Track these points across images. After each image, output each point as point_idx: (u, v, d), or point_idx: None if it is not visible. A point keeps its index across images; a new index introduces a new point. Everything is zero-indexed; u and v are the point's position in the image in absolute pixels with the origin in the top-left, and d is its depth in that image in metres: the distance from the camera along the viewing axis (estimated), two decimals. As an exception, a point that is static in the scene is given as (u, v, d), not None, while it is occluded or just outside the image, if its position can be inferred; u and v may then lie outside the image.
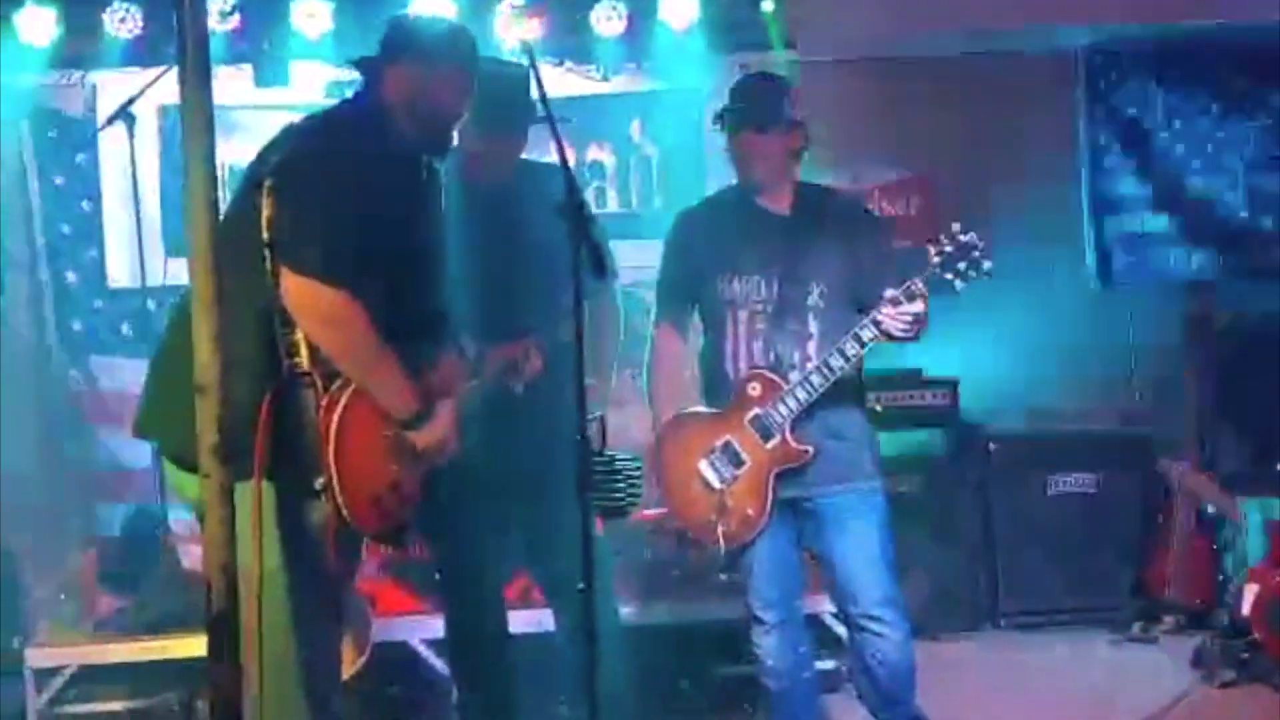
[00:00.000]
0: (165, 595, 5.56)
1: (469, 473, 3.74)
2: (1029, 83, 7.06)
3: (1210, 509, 6.20)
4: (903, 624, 4.21)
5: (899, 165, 6.97)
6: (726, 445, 4.17)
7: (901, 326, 3.94)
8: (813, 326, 4.14)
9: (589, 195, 6.11)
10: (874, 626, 4.19)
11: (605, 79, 6.46)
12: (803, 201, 4.24)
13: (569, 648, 4.46)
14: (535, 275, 4.19)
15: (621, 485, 3.25)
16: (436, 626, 5.22)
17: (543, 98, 3.44)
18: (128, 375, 6.49)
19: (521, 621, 4.81)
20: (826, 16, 6.42)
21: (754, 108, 4.19)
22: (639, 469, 3.34)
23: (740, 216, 4.25)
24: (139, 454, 6.30)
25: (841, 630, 5.32)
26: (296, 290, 3.18)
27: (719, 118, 4.28)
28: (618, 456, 3.22)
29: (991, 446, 6.53)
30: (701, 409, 4.31)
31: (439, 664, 5.34)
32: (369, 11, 6.11)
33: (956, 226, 3.93)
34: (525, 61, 3.62)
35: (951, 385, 6.54)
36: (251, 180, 3.34)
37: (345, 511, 3.21)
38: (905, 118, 6.82)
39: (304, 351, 3.22)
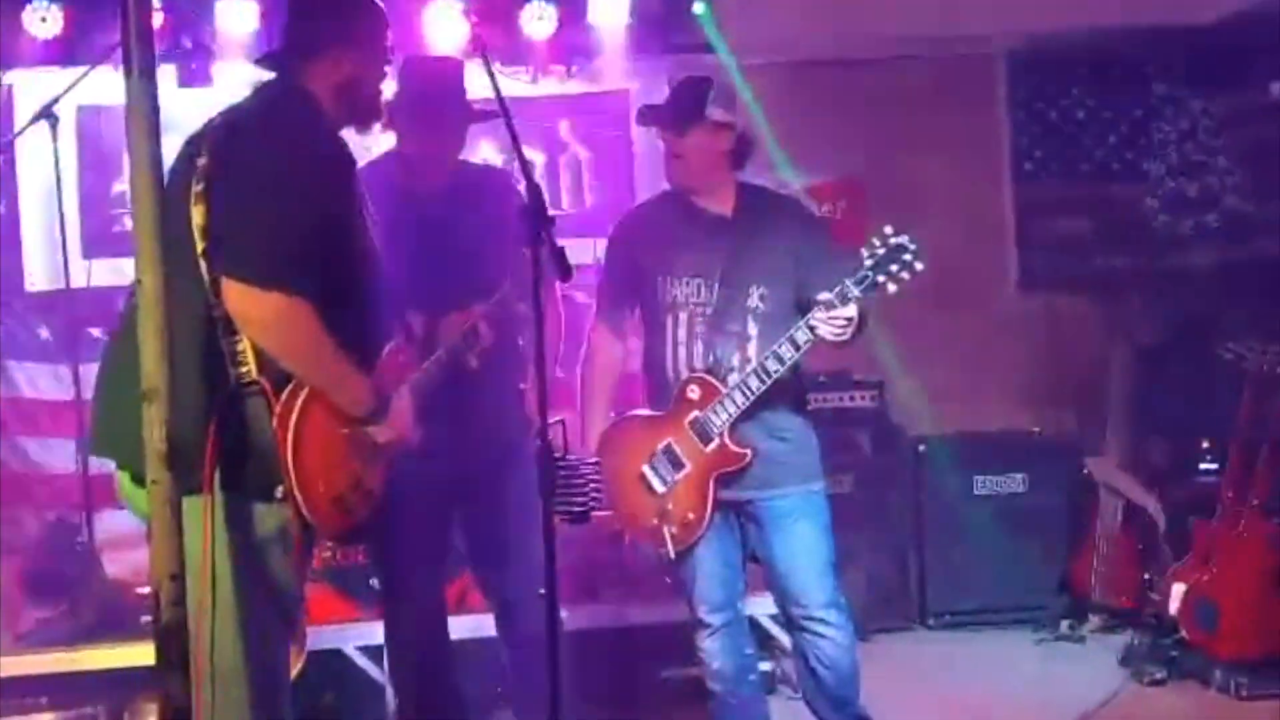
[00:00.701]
0: (90, 605, 5.46)
1: (410, 473, 3.70)
2: (956, 85, 7.12)
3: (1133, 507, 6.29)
4: (846, 626, 4.23)
5: (829, 167, 6.99)
6: (668, 448, 4.18)
7: (835, 330, 3.94)
8: (752, 329, 4.14)
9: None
10: (818, 628, 4.20)
11: (534, 81, 6.40)
12: (745, 203, 4.24)
13: (514, 652, 4.44)
14: (475, 257, 4.20)
15: (583, 489, 3.22)
16: (371, 633, 5.19)
17: (499, 99, 3.41)
18: (46, 380, 6.40)
19: (459, 627, 4.76)
20: (756, 19, 6.41)
21: (673, 108, 4.19)
22: (599, 473, 3.32)
23: (681, 218, 4.25)
24: (58, 460, 6.23)
25: (777, 631, 5.35)
26: (237, 297, 3.10)
27: (641, 115, 4.28)
28: (580, 460, 3.20)
29: (920, 448, 6.58)
30: (643, 412, 4.32)
31: (374, 670, 5.28)
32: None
33: (889, 229, 3.93)
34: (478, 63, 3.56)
35: (879, 386, 6.58)
36: (178, 184, 3.21)
37: (307, 515, 3.14)
38: (835, 120, 6.85)
39: (251, 359, 3.14)
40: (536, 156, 6.65)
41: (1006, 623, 6.41)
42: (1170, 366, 6.84)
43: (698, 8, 6.39)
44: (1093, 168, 7.45)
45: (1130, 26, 6.81)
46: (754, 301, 4.15)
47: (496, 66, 6.11)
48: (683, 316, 4.20)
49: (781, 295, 4.14)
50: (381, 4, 3.56)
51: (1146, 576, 6.23)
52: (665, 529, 4.13)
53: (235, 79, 6.11)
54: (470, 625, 4.97)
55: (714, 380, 4.13)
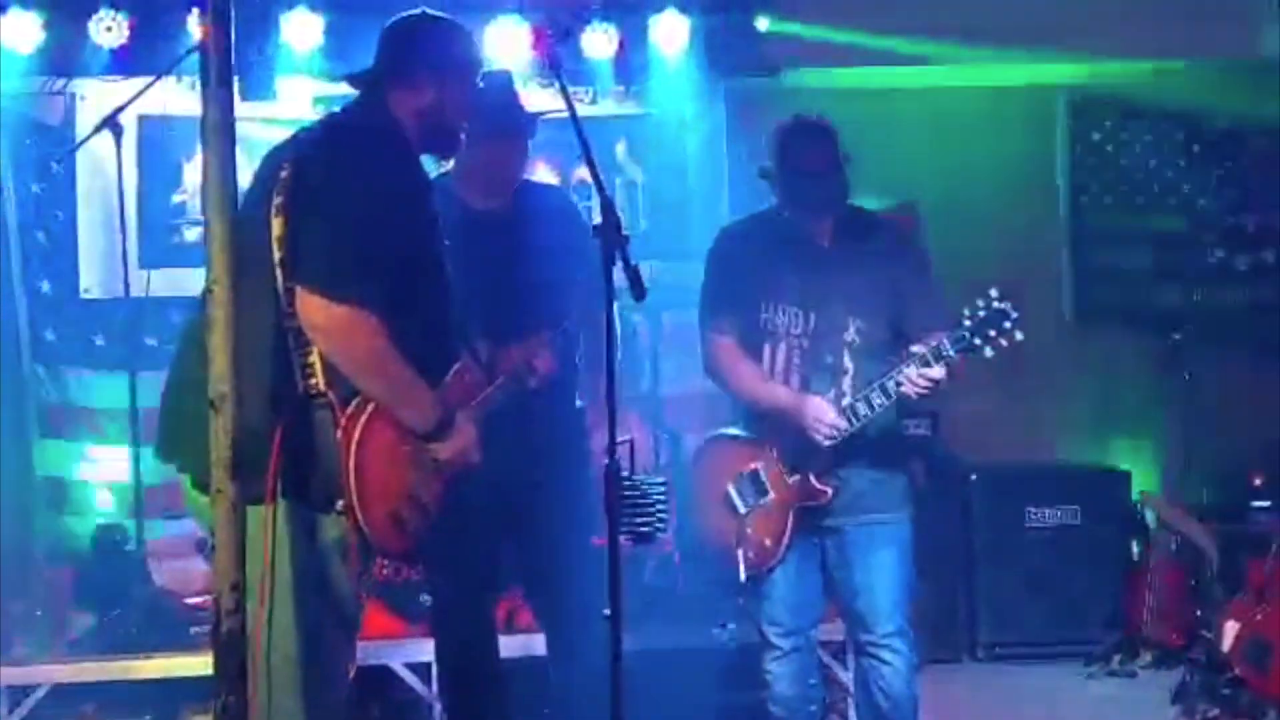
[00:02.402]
0: (139, 613, 5.47)
1: (467, 492, 3.69)
2: (1015, 116, 7.10)
3: (1189, 543, 6.23)
4: (911, 656, 4.21)
5: (885, 193, 6.96)
6: (754, 473, 4.18)
7: (920, 388, 3.91)
8: (848, 363, 4.11)
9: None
10: (884, 655, 4.19)
11: (594, 101, 6.41)
12: (844, 230, 4.20)
13: (564, 673, 4.42)
14: (540, 284, 4.19)
15: (649, 509, 3.19)
16: (418, 650, 5.19)
17: (573, 115, 3.41)
18: (99, 388, 6.43)
19: (508, 646, 4.73)
20: (814, 46, 6.42)
21: (828, 193, 4.12)
22: (664, 493, 3.29)
23: (782, 242, 4.21)
24: (111, 468, 6.25)
25: (829, 660, 5.31)
26: (311, 307, 3.11)
27: (765, 174, 4.21)
28: (645, 480, 3.17)
29: (972, 477, 6.53)
30: (739, 432, 4.31)
31: (420, 687, 5.28)
32: (358, 27, 6.10)
33: (994, 292, 3.88)
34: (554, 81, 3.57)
35: (932, 416, 6.53)
36: (259, 196, 3.25)
37: (365, 529, 3.14)
38: (893, 146, 6.82)
39: (320, 372, 3.15)
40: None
41: (1056, 656, 6.34)
42: (1224, 402, 6.78)
43: (761, 24, 6.40)
44: (1149, 201, 7.40)
45: (1191, 61, 6.78)
46: (850, 335, 4.13)
47: (556, 86, 6.25)
48: (781, 347, 4.18)
49: (878, 329, 4.11)
50: (471, 37, 3.60)
51: (1199, 613, 6.16)
52: (741, 551, 4.14)
53: (298, 93, 6.18)
54: (519, 645, 4.95)
55: None
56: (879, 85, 6.78)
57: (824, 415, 4.02)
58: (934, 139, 6.92)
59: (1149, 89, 7.24)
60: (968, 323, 3.87)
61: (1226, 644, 5.63)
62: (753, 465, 4.18)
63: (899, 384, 3.92)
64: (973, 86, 6.97)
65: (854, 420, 4.02)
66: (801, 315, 4.15)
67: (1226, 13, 6.61)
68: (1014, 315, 3.86)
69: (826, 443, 4.02)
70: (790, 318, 4.16)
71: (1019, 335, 3.87)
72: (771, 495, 4.15)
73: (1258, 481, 6.68)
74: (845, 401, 4.05)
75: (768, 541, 4.15)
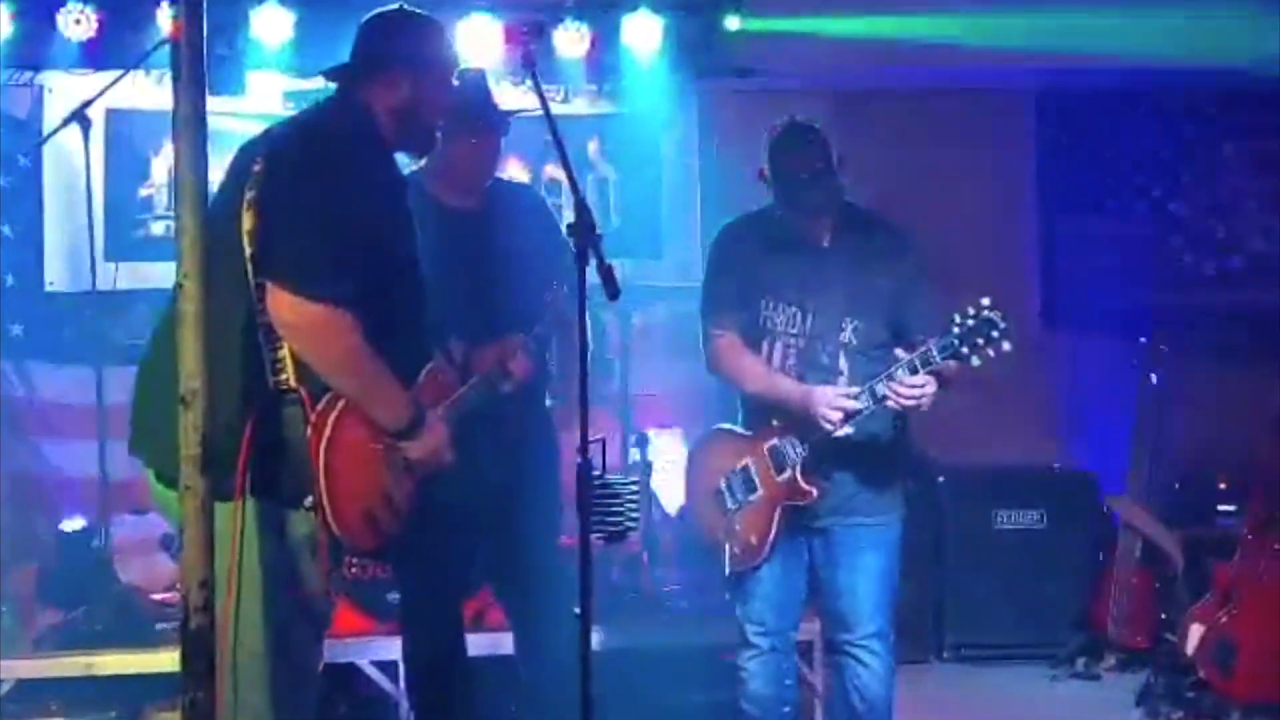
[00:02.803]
0: (105, 610, 5.43)
1: (437, 489, 3.68)
2: (984, 120, 7.11)
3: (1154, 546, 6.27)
4: (888, 658, 4.23)
5: (854, 196, 6.96)
6: (744, 469, 4.21)
7: (906, 396, 3.89)
8: (843, 364, 4.11)
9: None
10: (863, 656, 4.21)
11: (566, 100, 6.40)
12: (843, 230, 4.21)
13: (533, 670, 4.42)
14: (514, 285, 4.20)
15: (620, 508, 3.19)
16: (385, 647, 5.17)
17: (547, 114, 3.40)
18: (65, 383, 6.38)
19: (476, 644, 4.72)
20: (789, 46, 6.42)
21: (817, 199, 4.12)
22: (636, 492, 3.29)
23: (781, 241, 4.21)
24: (76, 463, 6.20)
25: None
26: (283, 305, 3.09)
27: (791, 202, 4.15)
28: (616, 480, 3.16)
29: (940, 479, 6.55)
30: (736, 428, 4.33)
31: (388, 685, 5.25)
32: (328, 23, 6.07)
33: (986, 301, 3.87)
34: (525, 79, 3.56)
35: (900, 417, 6.52)
36: (231, 190, 3.23)
37: (336, 528, 3.13)
38: (861, 150, 6.80)
39: (290, 368, 3.13)
40: (564, 176, 6.63)
41: (1022, 658, 6.37)
42: (1191, 406, 6.82)
43: (731, 23, 6.40)
44: (1119, 206, 7.42)
45: (1160, 67, 6.81)
46: (847, 335, 4.13)
47: (527, 83, 6.23)
48: (778, 345, 4.19)
49: (874, 330, 4.11)
50: (448, 37, 3.59)
51: (1164, 616, 6.20)
52: (728, 547, 4.18)
53: (268, 88, 6.15)
54: (487, 643, 4.94)
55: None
56: (848, 86, 6.77)
57: (834, 400, 3.99)
58: (902, 140, 6.92)
59: (1118, 93, 7.25)
60: (956, 330, 3.85)
61: (1191, 647, 5.67)
62: (744, 462, 4.20)
63: (884, 394, 3.91)
64: (942, 88, 6.97)
65: (852, 413, 4.00)
66: (799, 314, 4.16)
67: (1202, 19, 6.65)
68: (1003, 325, 3.85)
69: (831, 430, 4.00)
70: (788, 316, 4.18)
71: (1007, 346, 3.86)
72: (760, 492, 4.17)
73: (1223, 485, 6.72)
74: None
75: (753, 539, 4.17)
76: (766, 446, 4.16)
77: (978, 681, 6.22)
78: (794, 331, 4.17)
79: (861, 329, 4.11)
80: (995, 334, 3.85)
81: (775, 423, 4.15)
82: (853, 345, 4.11)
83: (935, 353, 3.86)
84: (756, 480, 4.18)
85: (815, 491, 4.11)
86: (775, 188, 4.15)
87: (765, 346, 4.20)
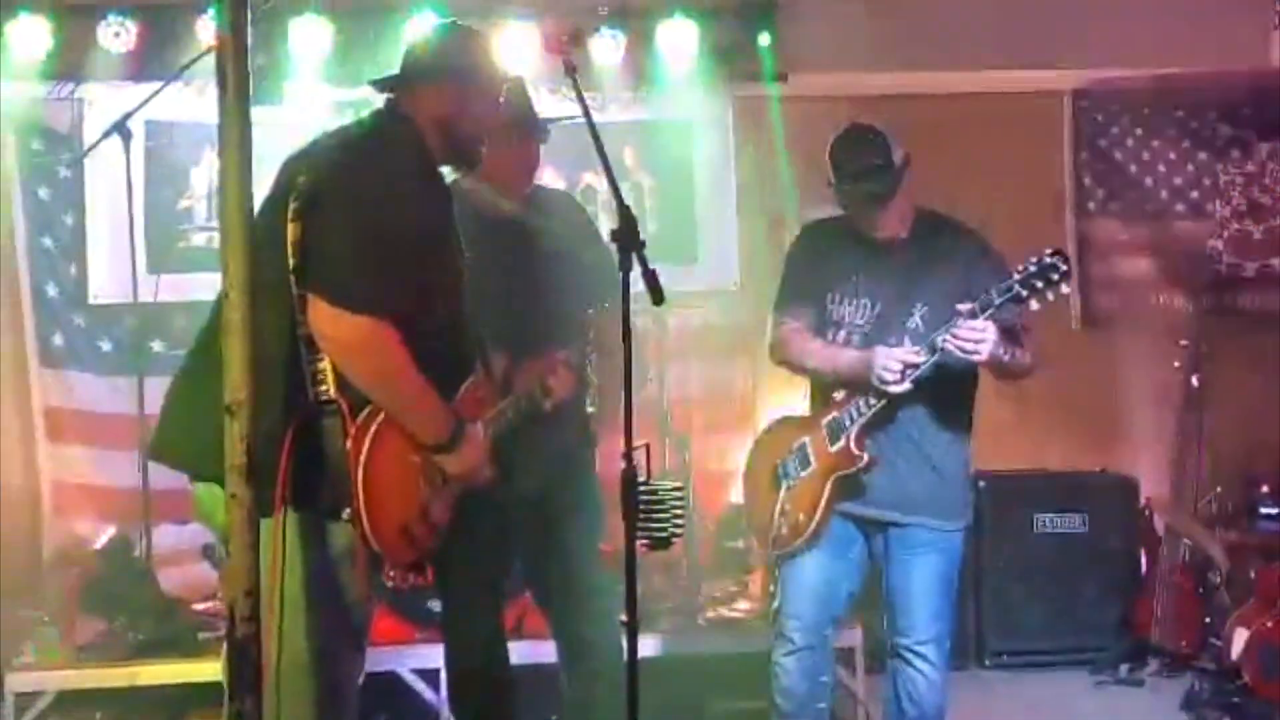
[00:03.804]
0: (146, 619, 5.46)
1: (477, 497, 3.68)
2: (1018, 123, 7.08)
3: (1197, 550, 6.23)
4: (943, 666, 4.23)
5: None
6: (801, 446, 4.26)
7: (965, 344, 3.87)
8: (907, 344, 4.07)
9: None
10: (916, 662, 4.21)
11: (602, 107, 6.40)
12: (920, 228, 4.24)
13: (574, 678, 4.41)
14: (555, 294, 4.20)
15: (665, 515, 3.18)
16: (426, 656, 5.18)
17: (589, 121, 3.40)
18: (105, 392, 6.42)
19: (516, 652, 4.71)
20: (821, 52, 6.42)
21: (876, 188, 4.13)
22: (682, 498, 3.28)
23: (858, 240, 4.24)
24: (117, 472, 6.23)
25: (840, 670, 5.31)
26: (323, 317, 3.11)
27: (843, 195, 4.19)
28: (661, 485, 3.16)
29: (980, 484, 6.50)
30: (797, 413, 4.40)
31: (429, 693, 5.26)
32: (367, 34, 6.11)
33: (1048, 250, 3.88)
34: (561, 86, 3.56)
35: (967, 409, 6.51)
36: (276, 201, 3.24)
37: (373, 541, 3.14)
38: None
39: (330, 379, 3.14)
40: (600, 184, 6.65)
41: (1064, 664, 6.32)
42: (1233, 409, 6.77)
43: (764, 40, 6.40)
44: (1157, 208, 7.37)
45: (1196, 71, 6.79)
46: (914, 321, 4.13)
47: (563, 91, 6.24)
48: (842, 334, 4.22)
49: (943, 316, 4.05)
50: (495, 50, 3.60)
51: (1207, 620, 6.15)
52: (775, 526, 4.23)
53: (307, 98, 6.17)
54: (527, 651, 4.94)
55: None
56: (882, 91, 6.76)
57: (893, 353, 3.99)
58: (937, 144, 6.88)
59: (1154, 94, 7.22)
60: (1018, 274, 3.87)
61: (1235, 651, 5.64)
62: (802, 440, 4.25)
63: (943, 343, 3.91)
64: (977, 91, 6.94)
65: (911, 368, 3.98)
66: (868, 305, 4.19)
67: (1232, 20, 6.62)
68: (1063, 269, 3.84)
69: (892, 383, 3.98)
70: (855, 307, 4.21)
71: (1065, 288, 3.86)
72: (814, 465, 4.21)
73: (1265, 488, 6.67)
74: None
75: (801, 516, 4.20)
76: (825, 421, 4.19)
77: (1019, 689, 6.17)
78: (859, 323, 4.19)
79: (929, 315, 4.10)
80: (1055, 276, 3.85)
81: (837, 396, 4.18)
82: (919, 330, 4.09)
83: (995, 295, 3.86)
84: (811, 456, 4.22)
85: (865, 457, 4.11)
86: (835, 186, 4.18)
87: (830, 335, 4.23)
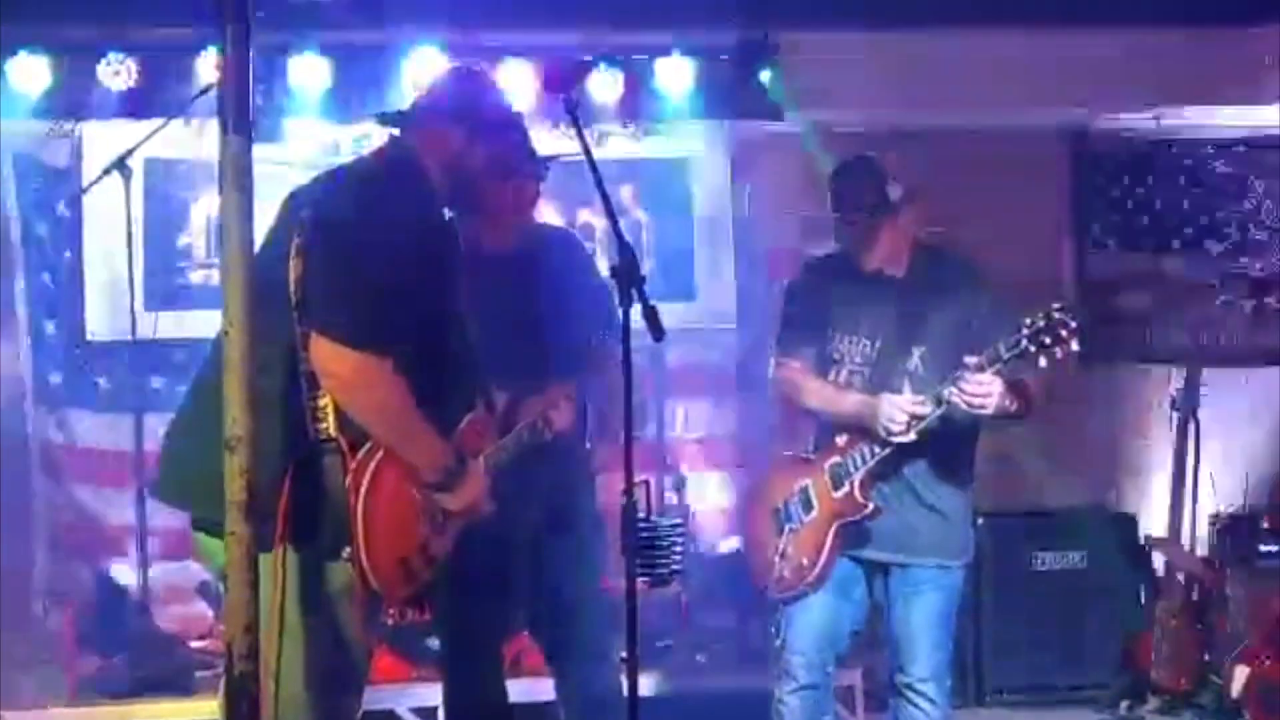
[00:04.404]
0: (143, 657, 5.44)
1: (477, 534, 3.67)
2: (1020, 161, 7.10)
3: (1196, 587, 6.21)
4: (944, 703, 4.21)
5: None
6: (803, 489, 4.22)
7: (972, 396, 3.85)
8: (908, 390, 4.06)
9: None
10: (917, 700, 4.19)
11: (599, 144, 6.42)
12: (919, 264, 4.22)
13: (573, 715, 4.39)
14: (553, 330, 4.20)
15: (665, 552, 3.18)
16: (424, 694, 5.16)
17: (589, 158, 3.41)
18: (103, 430, 6.41)
19: (514, 690, 4.70)
20: (822, 88, 6.44)
21: (859, 200, 4.15)
22: (681, 535, 3.27)
23: (855, 276, 4.23)
24: (114, 510, 6.23)
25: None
26: (325, 354, 3.10)
27: (835, 203, 4.23)
28: (661, 522, 3.16)
29: (979, 521, 6.48)
30: (800, 454, 4.34)
31: (426, 733, 5.25)
32: (366, 71, 6.13)
33: (1056, 304, 3.83)
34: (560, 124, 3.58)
35: (969, 447, 6.50)
36: (280, 237, 3.24)
37: (372, 578, 3.12)
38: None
39: (331, 417, 3.14)
40: (598, 220, 6.67)
41: (1064, 702, 6.28)
42: (1231, 445, 6.77)
43: (763, 76, 6.43)
44: (1154, 244, 7.39)
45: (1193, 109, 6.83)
46: (914, 363, 4.12)
47: (561, 129, 6.25)
48: (843, 373, 4.20)
49: (942, 360, 4.05)
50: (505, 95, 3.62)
51: (1207, 658, 6.13)
52: (776, 569, 4.18)
53: (306, 135, 6.19)
54: (526, 689, 4.92)
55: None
56: (881, 128, 6.79)
57: (899, 404, 3.97)
58: (936, 180, 6.91)
59: (1151, 132, 7.25)
60: (1025, 330, 3.80)
61: (1236, 689, 5.63)
62: (804, 483, 4.21)
63: (949, 396, 3.89)
64: (975, 127, 6.96)
65: (916, 420, 3.97)
66: (868, 344, 4.17)
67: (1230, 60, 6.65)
68: (1073, 324, 3.78)
69: (897, 433, 3.98)
70: (856, 347, 4.19)
71: (1075, 345, 3.79)
72: (816, 511, 4.18)
73: (1265, 524, 6.66)
74: None
75: (804, 560, 4.17)
76: (827, 465, 4.17)
77: (1020, 726, 6.15)
78: (860, 361, 4.18)
79: (929, 358, 4.09)
80: (1064, 333, 3.77)
81: (840, 440, 4.15)
82: (919, 373, 4.08)
83: (1003, 351, 3.82)
84: (814, 499, 4.19)
85: (870, 505, 4.09)
86: (834, 219, 4.21)
87: (832, 374, 4.22)
